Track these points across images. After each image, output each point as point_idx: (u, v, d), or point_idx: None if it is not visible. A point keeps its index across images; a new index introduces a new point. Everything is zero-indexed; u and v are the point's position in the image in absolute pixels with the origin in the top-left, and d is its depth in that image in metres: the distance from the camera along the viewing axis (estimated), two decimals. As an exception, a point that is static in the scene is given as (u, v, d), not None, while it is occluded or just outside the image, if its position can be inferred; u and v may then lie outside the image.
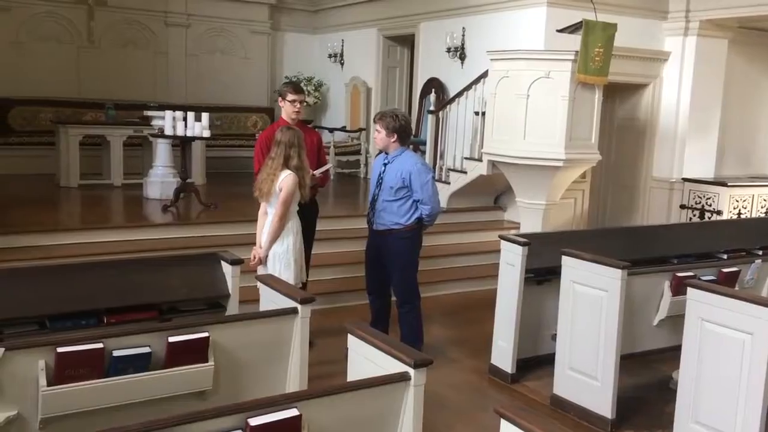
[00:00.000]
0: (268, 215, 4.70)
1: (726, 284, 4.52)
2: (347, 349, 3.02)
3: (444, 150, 8.76)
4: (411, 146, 5.31)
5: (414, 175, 4.92)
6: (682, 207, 8.78)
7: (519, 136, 7.02)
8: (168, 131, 7.76)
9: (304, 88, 11.62)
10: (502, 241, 5.05)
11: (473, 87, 8.24)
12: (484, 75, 7.81)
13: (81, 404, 2.93)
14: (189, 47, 11.77)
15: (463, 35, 9.28)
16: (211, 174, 9.89)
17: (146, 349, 3.05)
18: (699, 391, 3.79)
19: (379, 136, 5.04)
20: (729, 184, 8.57)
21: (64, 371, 2.89)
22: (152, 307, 3.84)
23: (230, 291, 4.00)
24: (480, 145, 7.92)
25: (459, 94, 8.50)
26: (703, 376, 3.77)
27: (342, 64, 11.99)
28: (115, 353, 2.99)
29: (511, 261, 4.96)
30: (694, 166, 8.81)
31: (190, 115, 7.73)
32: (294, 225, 4.70)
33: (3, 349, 2.78)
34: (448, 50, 9.43)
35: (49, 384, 2.86)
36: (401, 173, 4.93)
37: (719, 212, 8.42)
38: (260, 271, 4.68)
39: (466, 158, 8.35)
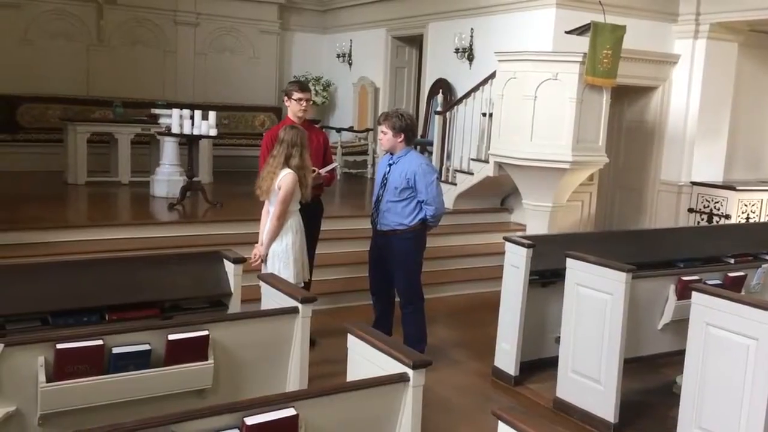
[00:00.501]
0: (270, 213, 4.70)
1: (732, 289, 4.48)
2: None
3: (451, 151, 8.74)
4: (417, 147, 5.33)
5: (419, 176, 4.90)
6: (690, 211, 8.73)
7: (526, 137, 6.99)
8: (175, 129, 7.77)
9: (312, 87, 11.66)
10: (506, 242, 5.03)
11: (481, 88, 8.22)
12: (492, 76, 7.79)
13: (80, 401, 2.93)
14: (198, 46, 11.79)
15: (472, 36, 9.26)
16: (218, 173, 9.91)
17: (146, 347, 3.05)
18: (703, 396, 3.76)
19: (385, 137, 5.03)
20: (738, 188, 8.50)
21: (63, 368, 2.89)
22: (154, 304, 3.84)
23: (232, 289, 4.00)
24: (487, 146, 7.90)
25: (466, 95, 8.48)
26: (707, 380, 3.73)
27: (350, 64, 11.99)
28: (115, 350, 2.99)
29: (516, 263, 4.93)
30: (703, 169, 8.76)
31: (197, 113, 7.76)
32: (294, 223, 4.69)
33: (2, 345, 2.79)
34: (457, 51, 9.42)
35: (48, 380, 2.86)
36: (406, 174, 4.92)
37: (727, 216, 8.37)
38: (262, 269, 4.68)
39: (472, 159, 8.33)
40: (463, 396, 4.83)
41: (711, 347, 3.71)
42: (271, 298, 3.64)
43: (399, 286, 5.15)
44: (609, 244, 5.23)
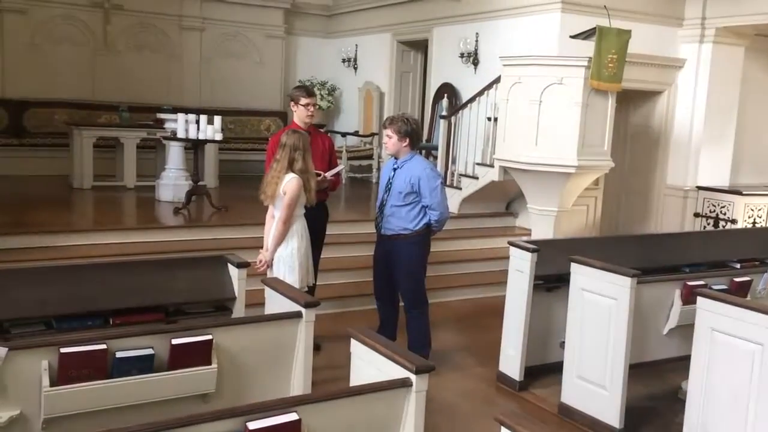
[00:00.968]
0: (274, 218, 4.70)
1: (738, 294, 4.47)
2: (353, 353, 3.01)
3: (456, 155, 8.74)
4: (422, 152, 5.31)
5: (423, 181, 4.90)
6: (696, 215, 8.70)
7: (531, 142, 6.98)
8: (180, 134, 7.79)
9: (317, 92, 11.66)
10: (511, 247, 5.02)
11: (486, 92, 8.21)
12: (497, 80, 7.78)
13: (84, 405, 2.94)
14: (203, 51, 11.81)
15: (477, 41, 9.26)
16: (224, 177, 9.92)
17: (149, 351, 3.05)
18: (708, 402, 3.74)
19: (390, 141, 5.02)
20: (744, 192, 8.46)
21: (67, 372, 2.89)
22: (158, 309, 3.84)
23: (236, 294, 4.00)
24: (492, 150, 7.89)
25: (471, 100, 8.48)
26: (713, 386, 3.71)
27: (355, 68, 12.00)
28: (119, 354, 2.99)
29: (520, 267, 4.92)
30: (709, 174, 8.72)
31: (203, 118, 7.77)
32: (299, 228, 4.69)
33: (6, 349, 2.79)
34: (462, 55, 9.43)
35: (52, 384, 2.87)
36: (410, 178, 4.91)
37: (734, 221, 8.34)
38: (268, 274, 4.68)
39: (477, 164, 8.32)
40: (468, 401, 4.82)
41: (716, 353, 3.69)
42: (275, 303, 3.64)
43: (403, 290, 5.14)
44: (614, 249, 5.21)
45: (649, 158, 9.03)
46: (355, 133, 11.59)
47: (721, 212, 8.50)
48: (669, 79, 8.68)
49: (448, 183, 8.46)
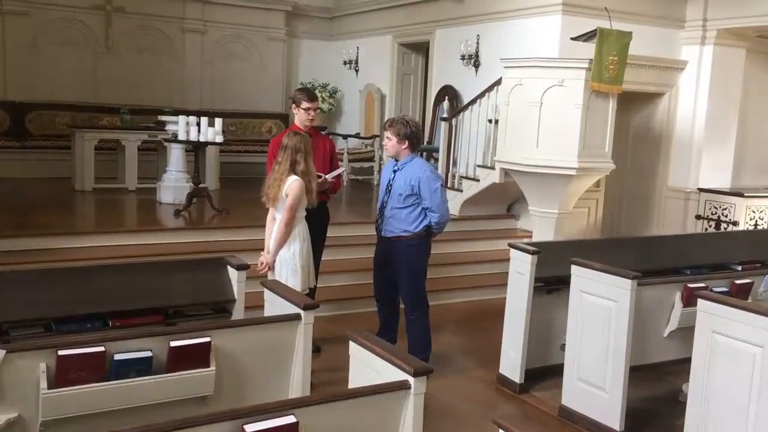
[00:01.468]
0: (276, 221, 4.69)
1: (739, 296, 4.45)
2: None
3: (457, 157, 8.73)
4: (423, 154, 5.29)
5: (423, 183, 4.89)
6: (698, 217, 8.68)
7: (532, 144, 6.97)
8: (181, 136, 7.80)
9: (319, 94, 11.67)
10: (511, 249, 5.01)
11: (486, 94, 8.21)
12: (498, 83, 7.78)
13: (82, 407, 2.93)
14: (205, 53, 11.83)
15: (478, 43, 9.26)
16: (225, 179, 9.93)
17: (148, 353, 3.05)
18: (709, 405, 3.72)
19: (389, 143, 5.02)
20: (746, 194, 8.45)
21: (65, 374, 2.89)
22: (158, 311, 3.83)
23: (236, 296, 3.99)
24: (493, 152, 7.88)
25: (472, 102, 8.48)
26: (713, 389, 3.70)
27: (357, 70, 12.01)
28: (117, 357, 2.98)
29: (521, 270, 4.91)
30: (711, 176, 8.71)
31: (204, 120, 7.78)
32: (301, 231, 4.69)
33: (4, 352, 2.79)
34: (463, 58, 9.42)
35: (50, 387, 2.86)
36: (410, 180, 4.91)
37: (735, 223, 8.32)
38: (269, 277, 4.67)
39: (479, 166, 8.32)
40: (468, 403, 4.81)
41: (717, 355, 3.68)
42: (274, 305, 3.63)
43: (404, 292, 5.13)
44: (615, 251, 5.20)
45: (650, 160, 9.01)
46: (357, 135, 11.59)
47: (722, 214, 8.49)
48: (670, 81, 8.67)
49: (449, 185, 8.46)
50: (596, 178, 7.47)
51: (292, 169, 4.58)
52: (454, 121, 8.74)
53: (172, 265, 4.30)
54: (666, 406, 4.71)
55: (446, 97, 9.68)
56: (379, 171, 10.76)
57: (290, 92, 11.21)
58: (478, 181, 8.24)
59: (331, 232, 5.75)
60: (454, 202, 8.23)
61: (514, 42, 8.51)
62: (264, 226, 4.90)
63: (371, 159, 11.24)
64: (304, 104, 5.24)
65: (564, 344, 4.66)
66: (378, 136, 11.03)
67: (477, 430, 4.43)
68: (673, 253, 5.53)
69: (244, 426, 2.28)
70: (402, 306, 5.21)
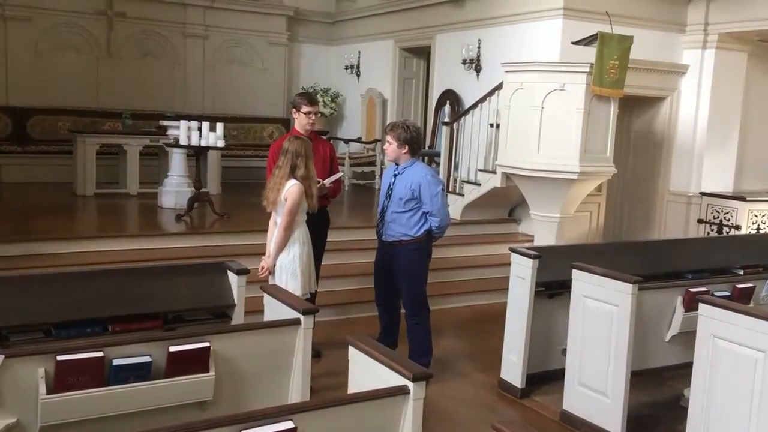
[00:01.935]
0: (277, 225, 4.69)
1: (740, 300, 4.44)
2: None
3: (458, 161, 8.73)
4: (425, 158, 5.28)
5: (424, 187, 4.88)
6: (700, 222, 8.67)
7: (533, 148, 6.97)
8: (183, 141, 7.79)
9: (320, 99, 11.69)
10: (512, 253, 4.99)
11: (488, 99, 8.20)
12: (499, 87, 7.78)
13: (81, 413, 2.92)
14: (207, 58, 11.85)
15: (479, 47, 9.26)
16: (227, 184, 9.93)
17: (147, 359, 3.04)
18: (710, 410, 3.71)
19: (390, 147, 5.02)
20: (748, 198, 8.44)
21: (64, 379, 2.88)
22: (158, 316, 3.83)
23: (236, 301, 3.98)
24: (494, 157, 7.88)
25: (473, 106, 8.47)
26: (715, 394, 3.69)
27: (358, 75, 12.02)
28: (116, 362, 2.97)
29: (522, 274, 4.90)
30: (713, 180, 8.70)
31: (205, 125, 7.78)
32: (301, 235, 4.68)
33: (3, 357, 2.78)
34: (464, 62, 9.42)
35: (48, 392, 2.85)
36: (411, 185, 4.90)
37: (738, 227, 8.30)
38: (270, 281, 4.67)
39: (480, 170, 8.31)
40: (469, 408, 4.79)
41: (718, 360, 3.67)
42: (274, 310, 3.62)
43: (404, 297, 5.12)
44: (616, 256, 5.19)
45: (652, 164, 9.00)
46: (358, 140, 11.59)
47: (724, 218, 8.47)
48: (672, 85, 8.67)
49: (450, 189, 8.46)
50: (598, 182, 7.46)
51: (292, 174, 4.57)
52: (455, 125, 8.74)
53: (171, 269, 4.30)
54: (667, 411, 4.69)
55: (447, 102, 9.69)
56: (381, 175, 10.77)
57: (292, 97, 11.23)
58: (479, 185, 8.23)
59: (332, 236, 5.74)
60: (456, 207, 8.22)
61: (515, 46, 8.51)
62: (265, 230, 4.89)
63: (372, 163, 11.24)
64: (305, 108, 5.24)
65: (565, 349, 4.65)
66: (379, 140, 11.03)
67: (478, 435, 4.41)
68: (674, 258, 5.52)
69: (243, 431, 2.27)
70: (403, 310, 5.20)
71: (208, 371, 3.16)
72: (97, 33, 11.02)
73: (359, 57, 11.97)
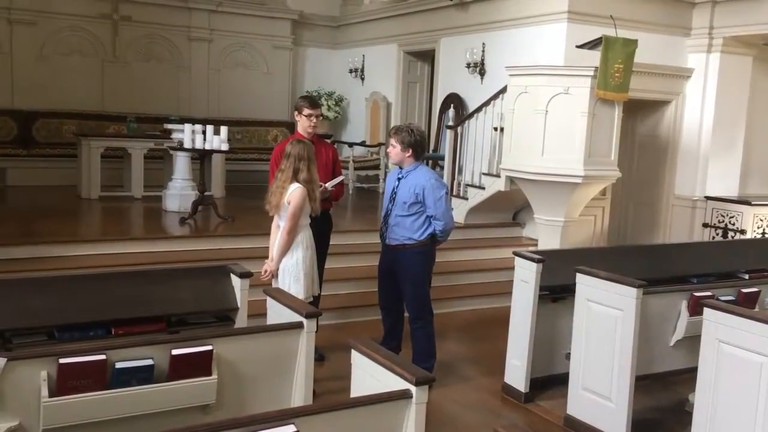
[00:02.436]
0: (280, 228, 4.69)
1: (745, 305, 4.41)
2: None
3: (462, 165, 8.72)
4: (429, 162, 5.27)
5: (427, 191, 4.87)
6: (705, 226, 8.63)
7: (537, 152, 6.95)
8: (187, 144, 7.80)
9: (325, 102, 11.69)
10: (516, 257, 4.98)
11: (492, 102, 8.20)
12: (503, 90, 7.77)
13: (83, 416, 2.92)
14: (211, 62, 11.87)
15: (483, 51, 9.26)
16: (231, 187, 9.93)
17: (149, 362, 3.03)
18: (715, 415, 3.68)
19: (393, 150, 5.02)
20: (753, 202, 8.40)
21: (66, 382, 2.88)
22: (161, 319, 3.83)
23: (239, 304, 3.98)
24: (498, 160, 7.86)
25: (478, 110, 8.46)
26: (720, 399, 3.66)
27: (362, 78, 12.02)
28: (118, 365, 2.97)
29: (525, 278, 4.89)
30: (718, 184, 8.67)
31: (209, 128, 7.78)
32: (304, 238, 4.67)
33: (5, 360, 2.78)
34: (468, 66, 9.42)
35: (51, 395, 2.85)
36: (415, 188, 4.89)
37: (743, 231, 8.27)
38: (273, 285, 4.66)
39: (484, 174, 8.30)
40: (472, 413, 4.78)
41: (723, 365, 3.64)
42: (277, 313, 3.62)
43: (408, 301, 5.12)
44: (621, 260, 5.17)
45: (657, 168, 8.98)
46: (362, 143, 11.60)
47: (729, 222, 8.44)
48: (677, 88, 8.64)
49: (454, 193, 8.46)
50: (602, 186, 7.44)
51: (295, 177, 4.57)
52: (459, 128, 8.73)
53: (174, 272, 4.29)
54: (672, 415, 4.67)
55: (452, 105, 9.68)
56: (384, 179, 10.76)
57: (296, 100, 11.24)
58: (483, 188, 8.22)
59: (336, 239, 5.74)
60: (460, 210, 8.22)
61: (519, 50, 8.50)
62: (269, 233, 4.89)
63: (377, 167, 11.24)
64: (306, 111, 5.25)
65: (569, 353, 4.63)
66: (383, 144, 11.02)
67: (481, 439, 4.40)
68: (679, 262, 5.50)
69: (244, 435, 2.27)
70: (406, 314, 5.19)
71: (210, 374, 3.16)
72: (102, 37, 11.05)
73: (363, 60, 11.98)
